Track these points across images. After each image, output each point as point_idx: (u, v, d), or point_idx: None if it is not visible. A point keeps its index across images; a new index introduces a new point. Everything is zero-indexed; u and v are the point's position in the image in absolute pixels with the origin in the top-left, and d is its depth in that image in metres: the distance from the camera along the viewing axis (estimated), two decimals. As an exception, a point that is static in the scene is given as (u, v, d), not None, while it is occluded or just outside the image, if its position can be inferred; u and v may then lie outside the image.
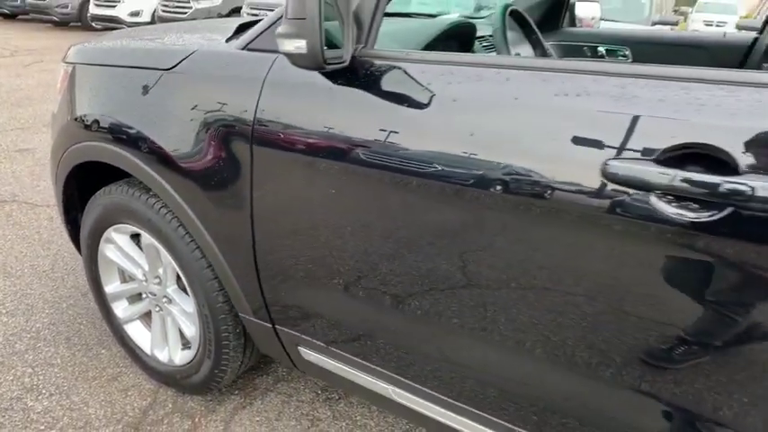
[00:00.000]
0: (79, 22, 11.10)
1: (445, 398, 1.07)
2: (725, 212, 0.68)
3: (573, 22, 2.42)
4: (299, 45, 0.84)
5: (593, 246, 0.78)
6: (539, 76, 0.84)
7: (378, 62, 0.99)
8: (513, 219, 0.84)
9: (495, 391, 0.99)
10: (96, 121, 1.42)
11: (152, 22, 9.82)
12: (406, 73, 0.96)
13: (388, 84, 0.96)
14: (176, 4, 9.36)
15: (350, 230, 1.06)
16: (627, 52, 2.19)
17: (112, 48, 1.50)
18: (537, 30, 1.68)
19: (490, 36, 1.67)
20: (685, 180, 0.69)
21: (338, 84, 1.00)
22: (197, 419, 1.58)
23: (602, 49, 2.24)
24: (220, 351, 1.47)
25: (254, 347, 1.51)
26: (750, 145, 0.67)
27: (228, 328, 1.42)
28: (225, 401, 1.65)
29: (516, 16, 1.58)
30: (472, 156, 0.85)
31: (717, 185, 0.67)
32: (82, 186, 1.65)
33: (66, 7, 10.88)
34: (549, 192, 0.79)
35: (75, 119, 1.49)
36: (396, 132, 0.93)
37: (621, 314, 0.80)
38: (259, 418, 1.60)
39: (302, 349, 1.29)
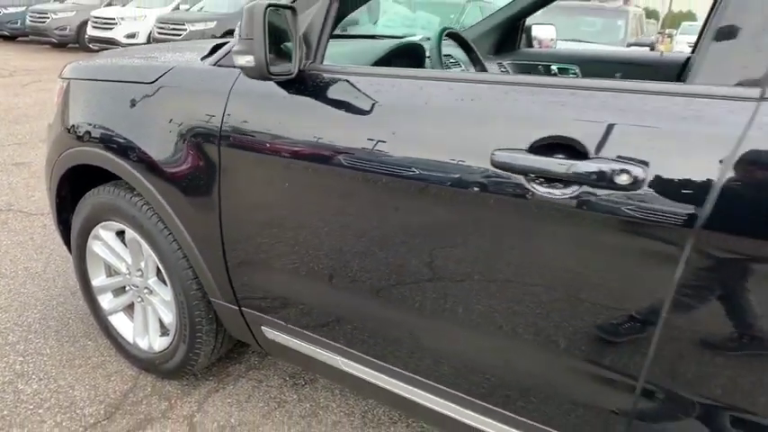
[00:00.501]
0: (77, 43, 11.39)
1: (390, 366, 1.23)
2: (581, 189, 0.86)
3: (530, 44, 2.64)
4: (248, 60, 1.03)
5: (489, 220, 0.96)
6: (446, 85, 1.02)
7: (324, 75, 1.18)
8: (426, 202, 1.02)
9: (436, 361, 1.16)
10: (87, 129, 1.60)
11: (148, 43, 10.10)
12: (346, 83, 1.14)
13: (331, 92, 1.15)
14: (171, 26, 9.64)
15: (301, 221, 1.23)
16: (576, 70, 2.40)
17: (103, 65, 1.69)
18: (475, 49, 1.89)
19: (446, 55, 1.88)
20: (549, 164, 0.88)
21: (290, 92, 1.19)
22: (173, 401, 1.73)
23: (554, 67, 2.45)
24: (194, 335, 1.62)
25: (225, 333, 1.67)
26: (596, 137, 0.85)
27: (201, 313, 1.58)
28: (200, 386, 1.80)
29: (456, 38, 1.79)
30: (393, 151, 1.03)
31: (579, 173, 0.85)
32: (73, 190, 1.82)
33: (65, 29, 11.18)
34: (451, 177, 0.97)
35: (68, 128, 1.67)
36: (336, 133, 1.12)
37: (518, 279, 0.97)
38: (230, 400, 1.75)
39: (265, 329, 1.45)
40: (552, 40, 2.83)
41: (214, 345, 1.67)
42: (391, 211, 1.08)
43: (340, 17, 1.23)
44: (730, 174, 0.76)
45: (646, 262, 0.84)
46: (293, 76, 1.13)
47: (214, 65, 1.37)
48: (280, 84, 1.20)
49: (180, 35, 9.49)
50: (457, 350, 1.11)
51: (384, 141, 1.05)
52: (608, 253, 0.87)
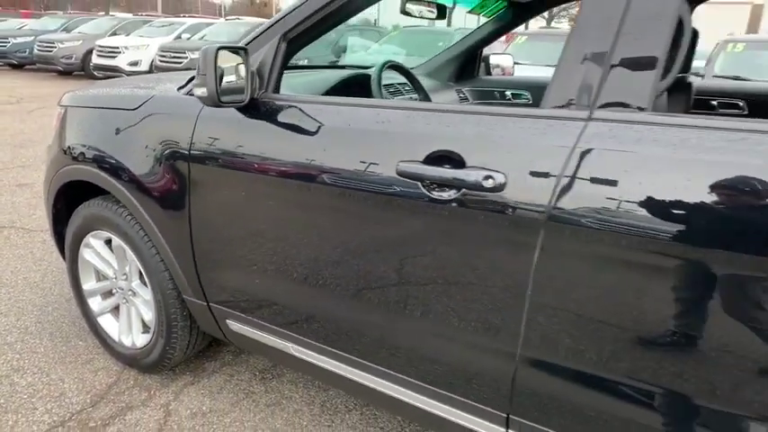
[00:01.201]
0: (82, 71, 11.81)
1: (334, 350, 1.43)
2: (461, 193, 1.08)
3: (488, 71, 2.89)
4: (203, 91, 1.27)
5: (397, 218, 1.18)
6: (367, 110, 1.26)
7: (275, 102, 1.42)
8: (352, 205, 1.24)
9: (371, 341, 1.36)
10: (80, 150, 1.83)
11: (150, 71, 10.49)
12: (292, 109, 1.38)
13: (280, 117, 1.38)
14: (173, 54, 10.04)
15: (256, 226, 1.45)
16: (528, 95, 2.65)
17: (95, 94, 1.94)
18: (417, 78, 2.13)
19: (397, 84, 2.13)
20: (437, 172, 1.10)
21: (246, 117, 1.42)
22: (152, 392, 1.93)
23: (508, 93, 2.70)
24: (171, 331, 1.83)
25: (198, 329, 1.87)
26: (470, 151, 1.08)
27: (177, 310, 1.79)
28: (177, 379, 2.00)
29: (400, 69, 2.04)
30: (324, 163, 1.26)
31: (459, 178, 1.08)
32: (68, 203, 2.05)
33: (71, 57, 11.61)
34: (367, 184, 1.19)
35: (64, 149, 1.91)
36: (281, 149, 1.35)
37: (420, 266, 1.18)
38: (204, 391, 1.94)
39: (230, 322, 1.66)
40: (512, 67, 3.08)
41: (189, 340, 1.88)
42: (327, 214, 1.30)
43: (290, 54, 1.47)
44: (567, 176, 0.98)
45: (511, 249, 1.06)
46: (245, 103, 1.36)
47: (186, 94, 1.61)
48: (238, 109, 1.43)
49: (181, 63, 9.87)
50: (380, 327, 1.32)
51: (317, 156, 1.28)
52: (483, 243, 1.09)
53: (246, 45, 1.41)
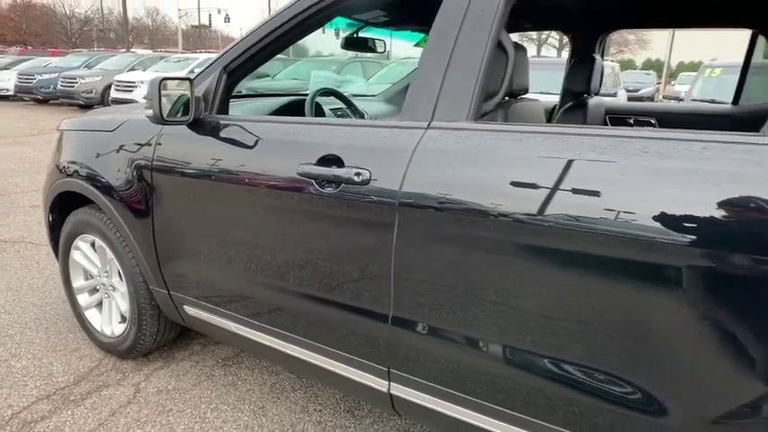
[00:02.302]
0: (101, 104, 12.50)
1: (267, 326, 1.72)
2: (341, 187, 1.39)
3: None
4: (150, 112, 1.61)
5: (301, 211, 1.49)
6: (280, 125, 1.58)
7: (218, 121, 1.75)
8: (270, 202, 1.55)
9: (310, 322, 1.65)
10: (72, 166, 2.18)
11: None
12: (230, 126, 1.70)
13: (219, 132, 1.71)
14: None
15: (202, 223, 1.77)
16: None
17: (85, 119, 2.30)
18: (350, 101, 2.46)
19: (339, 108, 2.47)
20: (325, 171, 1.41)
21: (194, 133, 1.76)
22: (126, 374, 2.23)
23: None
24: (141, 319, 2.14)
25: (165, 318, 2.18)
26: (347, 154, 1.39)
27: (146, 300, 2.10)
28: (149, 364, 2.30)
29: (335, 94, 2.37)
30: (248, 169, 1.58)
31: (338, 175, 1.38)
32: (61, 212, 2.40)
33: (91, 92, 12.33)
34: (279, 184, 1.51)
35: (58, 166, 2.27)
36: (219, 159, 1.67)
37: (319, 249, 1.48)
38: (171, 374, 2.24)
39: (186, 307, 1.96)
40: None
41: (157, 327, 2.18)
42: (252, 209, 1.62)
43: (231, 83, 1.81)
44: (412, 165, 1.28)
45: (378, 229, 1.35)
46: (190, 121, 1.70)
47: (152, 117, 1.95)
48: (188, 127, 1.77)
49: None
50: (292, 301, 1.61)
51: (244, 163, 1.60)
52: (360, 226, 1.38)
53: (195, 77, 1.76)
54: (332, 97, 2.32)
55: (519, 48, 1.65)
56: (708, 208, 0.96)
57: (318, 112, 2.30)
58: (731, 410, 1.00)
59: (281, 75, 10.20)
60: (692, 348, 1.01)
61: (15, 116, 11.87)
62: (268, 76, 10.32)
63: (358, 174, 1.35)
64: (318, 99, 2.30)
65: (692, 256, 0.97)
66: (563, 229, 1.09)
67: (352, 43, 2.27)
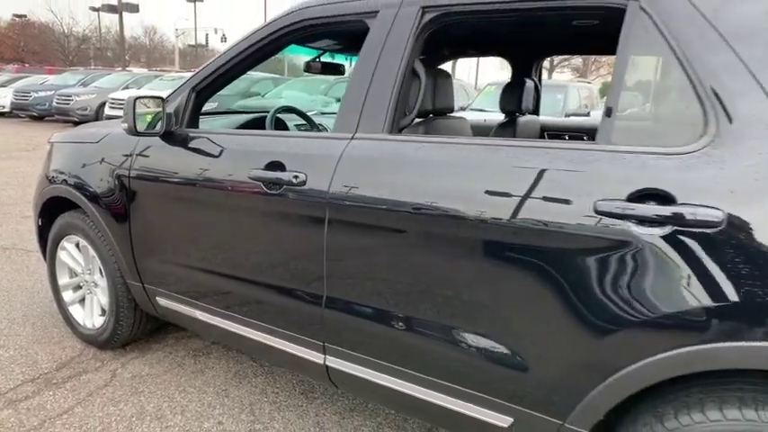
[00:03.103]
0: (96, 121, 12.79)
1: (231, 313, 1.96)
2: (283, 188, 1.65)
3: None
4: (125, 125, 1.89)
5: (253, 210, 1.75)
6: (240, 138, 1.86)
7: (187, 134, 2.02)
8: (229, 202, 1.81)
9: (255, 305, 1.90)
10: (59, 175, 2.44)
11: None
12: (197, 138, 1.97)
13: (187, 143, 1.98)
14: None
15: (172, 223, 2.03)
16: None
17: (73, 132, 2.57)
18: (308, 117, 2.74)
19: (302, 124, 2.75)
20: (270, 175, 1.68)
21: (165, 143, 2.02)
22: (105, 362, 2.46)
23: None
24: (119, 311, 2.38)
25: (141, 311, 2.42)
26: (289, 160, 1.66)
27: (123, 294, 2.35)
28: (126, 354, 2.53)
29: (294, 111, 2.65)
30: (209, 175, 1.85)
31: (280, 178, 1.65)
32: (49, 216, 2.65)
33: (86, 109, 12.62)
34: (233, 186, 1.77)
35: (47, 174, 2.53)
36: (186, 167, 1.94)
37: (269, 244, 1.74)
38: (145, 362, 2.47)
39: (158, 298, 2.21)
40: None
41: (133, 319, 2.42)
42: (213, 210, 1.88)
43: (200, 101, 2.08)
44: (339, 169, 1.54)
45: (313, 223, 1.61)
46: (161, 134, 1.97)
47: (132, 131, 2.22)
48: (162, 139, 2.04)
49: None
50: (243, 288, 1.86)
51: (206, 169, 1.87)
52: (299, 221, 1.65)
53: (168, 96, 2.03)
54: (295, 114, 2.61)
55: (442, 74, 1.95)
56: (541, 197, 1.24)
57: (284, 126, 2.58)
58: (572, 363, 1.26)
59: (271, 94, 10.54)
60: (541, 315, 1.27)
61: (11, 132, 12.13)
62: (259, 94, 10.66)
63: (296, 176, 1.62)
64: (285, 116, 2.58)
65: (544, 241, 1.24)
66: (452, 217, 1.36)
67: (315, 67, 2.56)
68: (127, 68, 22.80)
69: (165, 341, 2.68)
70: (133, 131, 1.89)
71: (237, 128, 2.43)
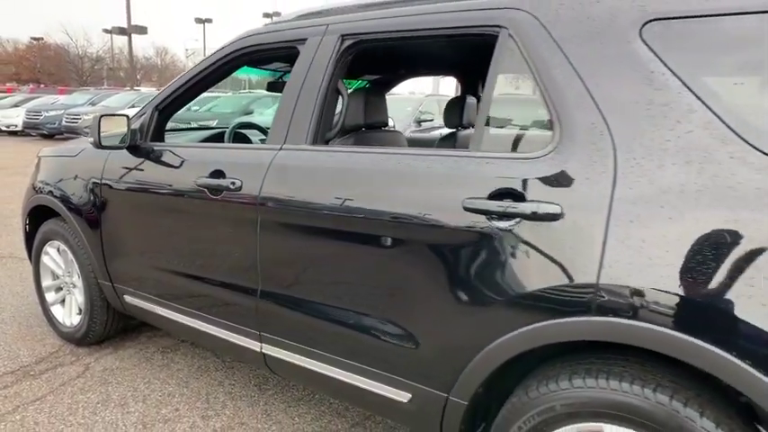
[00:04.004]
0: (103, 139, 13.19)
1: (183, 307, 2.17)
2: (223, 193, 1.87)
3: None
4: (91, 140, 2.12)
5: (202, 215, 1.97)
6: (192, 150, 2.09)
7: (150, 147, 2.25)
8: (183, 208, 2.04)
9: (214, 301, 2.11)
10: (44, 186, 2.69)
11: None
12: (158, 150, 2.20)
13: (149, 155, 2.21)
14: (182, 125, 11.28)
15: (138, 228, 2.25)
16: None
17: (57, 147, 2.82)
18: (265, 130, 2.97)
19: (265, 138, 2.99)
20: (213, 182, 1.90)
21: (131, 155, 2.26)
22: (80, 357, 2.67)
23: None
24: (93, 309, 2.60)
25: (113, 309, 2.63)
26: (228, 168, 1.88)
27: (96, 293, 2.57)
28: (100, 350, 2.75)
29: (252, 125, 2.89)
30: (167, 182, 2.07)
31: (221, 185, 1.87)
32: (35, 224, 2.89)
33: (94, 128, 13.03)
34: (185, 194, 2.00)
35: (33, 185, 2.78)
36: (149, 176, 2.17)
37: (217, 245, 1.95)
38: (117, 357, 2.68)
39: (126, 297, 2.43)
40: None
41: (106, 316, 2.64)
42: (169, 215, 2.10)
43: (163, 118, 2.32)
44: (267, 176, 1.76)
45: (248, 223, 1.82)
46: (125, 147, 2.20)
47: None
48: (129, 151, 2.27)
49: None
50: (191, 284, 2.07)
51: (163, 178, 2.10)
52: (236, 222, 1.86)
53: (133, 115, 2.28)
54: (255, 129, 2.85)
55: (374, 92, 2.17)
56: (429, 198, 1.44)
57: (246, 140, 2.81)
58: (451, 342, 1.45)
59: (271, 110, 10.89)
60: (426, 300, 1.46)
61: (21, 150, 12.56)
62: (252, 113, 11.02)
63: (233, 183, 1.84)
64: (248, 131, 2.82)
65: (425, 235, 1.45)
66: (353, 216, 1.57)
67: (275, 86, 2.80)
68: (135, 88, 23.42)
69: (137, 339, 2.89)
70: (98, 145, 2.13)
71: (202, 141, 2.67)
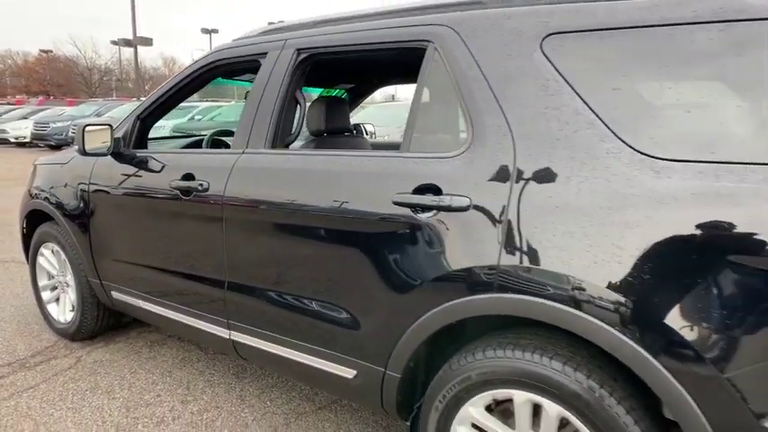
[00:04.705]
0: (109, 149, 13.51)
1: (161, 299, 2.36)
2: (193, 194, 2.06)
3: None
4: (76, 147, 2.33)
5: (175, 214, 2.16)
6: (168, 155, 2.28)
7: (132, 153, 2.45)
8: (158, 207, 2.23)
9: (189, 295, 2.30)
10: (39, 192, 2.90)
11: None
12: (139, 157, 2.40)
13: (131, 161, 2.41)
14: (183, 134, 11.54)
15: (122, 230, 2.45)
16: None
17: (51, 156, 3.04)
18: None
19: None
20: (182, 185, 2.09)
21: (114, 161, 2.46)
22: (73, 350, 2.87)
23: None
24: (84, 306, 2.80)
25: (103, 305, 2.83)
26: (197, 171, 2.07)
27: (87, 291, 2.77)
28: (92, 345, 2.94)
29: (224, 133, 3.10)
30: (146, 185, 2.27)
31: (191, 186, 2.06)
32: (32, 227, 3.10)
33: (99, 138, 13.35)
34: (160, 195, 2.19)
35: (29, 191, 2.99)
36: (128, 180, 2.37)
37: (187, 242, 2.15)
38: (107, 351, 2.87)
39: (113, 293, 2.62)
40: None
41: (97, 312, 2.84)
42: (149, 216, 2.30)
43: (145, 127, 2.52)
44: (231, 177, 1.95)
45: (214, 221, 2.01)
46: (109, 153, 2.41)
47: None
48: (113, 157, 2.47)
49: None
50: (169, 279, 2.26)
51: (141, 182, 2.29)
52: (205, 220, 2.05)
53: (117, 124, 2.48)
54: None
55: (335, 101, 2.36)
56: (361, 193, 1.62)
57: (225, 146, 3.02)
58: (385, 321, 1.62)
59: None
60: (364, 285, 1.64)
61: (27, 160, 12.85)
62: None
63: (201, 184, 2.04)
64: (228, 138, 3.02)
65: (361, 227, 1.62)
66: (301, 211, 1.75)
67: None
68: (142, 98, 23.81)
69: (127, 334, 3.09)
70: (82, 152, 2.34)
71: (182, 148, 2.87)
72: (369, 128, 4.06)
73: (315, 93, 3.26)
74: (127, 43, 25.79)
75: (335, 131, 2.38)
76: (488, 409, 1.51)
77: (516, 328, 1.50)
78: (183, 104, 16.91)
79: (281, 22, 2.14)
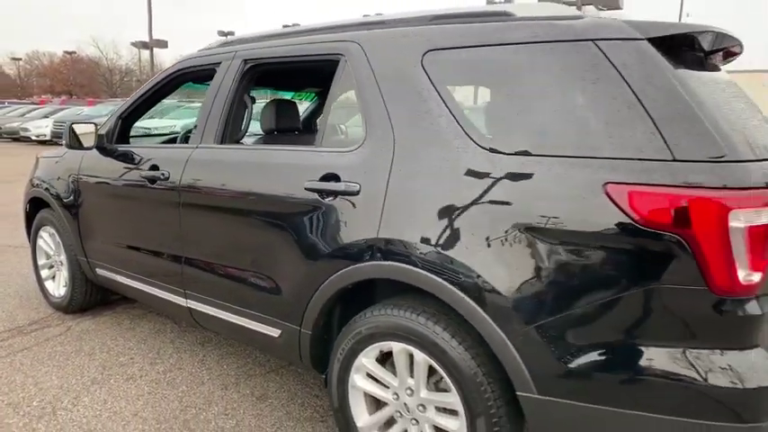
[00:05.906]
0: (123, 147, 14.08)
1: (133, 273, 2.73)
2: (157, 182, 2.43)
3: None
4: (64, 142, 2.71)
5: (148, 201, 2.53)
6: (140, 149, 2.65)
7: (114, 148, 2.83)
8: (134, 195, 2.60)
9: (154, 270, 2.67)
10: (38, 182, 3.30)
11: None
12: (120, 151, 2.78)
13: (113, 155, 2.79)
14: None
15: (105, 214, 2.83)
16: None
17: (50, 151, 3.44)
18: None
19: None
20: (150, 174, 2.46)
21: (99, 154, 2.84)
22: (65, 321, 3.27)
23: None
24: (74, 282, 3.19)
25: (91, 282, 3.21)
26: (164, 164, 2.44)
27: (76, 268, 3.16)
28: (82, 317, 3.34)
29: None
30: (120, 175, 2.65)
31: (155, 176, 2.42)
32: (33, 212, 3.50)
33: (114, 137, 13.94)
34: (135, 183, 2.56)
35: (31, 181, 3.40)
36: (109, 169, 2.75)
37: (157, 225, 2.51)
38: (94, 322, 3.26)
39: (97, 269, 3.01)
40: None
41: (85, 288, 3.23)
42: (127, 202, 2.67)
43: (126, 125, 2.90)
44: (186, 168, 2.31)
45: (174, 205, 2.37)
46: (93, 148, 2.79)
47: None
48: (98, 151, 2.85)
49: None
50: (143, 259, 2.63)
51: (118, 173, 2.67)
52: (166, 205, 2.41)
53: (102, 123, 2.87)
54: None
55: (285, 103, 2.71)
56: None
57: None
58: (299, 286, 1.96)
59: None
60: (283, 256, 1.98)
61: (48, 157, 13.54)
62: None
63: (163, 174, 2.40)
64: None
65: (283, 209, 1.97)
66: (236, 196, 2.10)
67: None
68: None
69: (114, 309, 3.48)
70: (69, 146, 2.72)
71: (161, 143, 3.25)
72: (342, 128, 4.41)
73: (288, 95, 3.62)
74: (144, 45, 26.54)
75: (284, 130, 2.73)
76: (380, 362, 1.83)
77: (408, 293, 1.82)
78: (190, 106, 17.31)
79: (232, 34, 2.50)
